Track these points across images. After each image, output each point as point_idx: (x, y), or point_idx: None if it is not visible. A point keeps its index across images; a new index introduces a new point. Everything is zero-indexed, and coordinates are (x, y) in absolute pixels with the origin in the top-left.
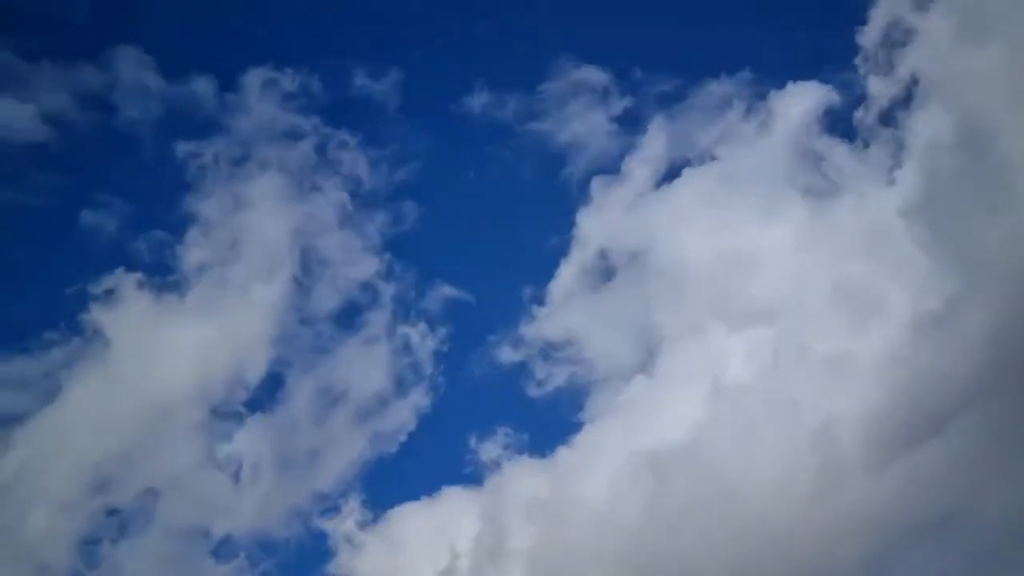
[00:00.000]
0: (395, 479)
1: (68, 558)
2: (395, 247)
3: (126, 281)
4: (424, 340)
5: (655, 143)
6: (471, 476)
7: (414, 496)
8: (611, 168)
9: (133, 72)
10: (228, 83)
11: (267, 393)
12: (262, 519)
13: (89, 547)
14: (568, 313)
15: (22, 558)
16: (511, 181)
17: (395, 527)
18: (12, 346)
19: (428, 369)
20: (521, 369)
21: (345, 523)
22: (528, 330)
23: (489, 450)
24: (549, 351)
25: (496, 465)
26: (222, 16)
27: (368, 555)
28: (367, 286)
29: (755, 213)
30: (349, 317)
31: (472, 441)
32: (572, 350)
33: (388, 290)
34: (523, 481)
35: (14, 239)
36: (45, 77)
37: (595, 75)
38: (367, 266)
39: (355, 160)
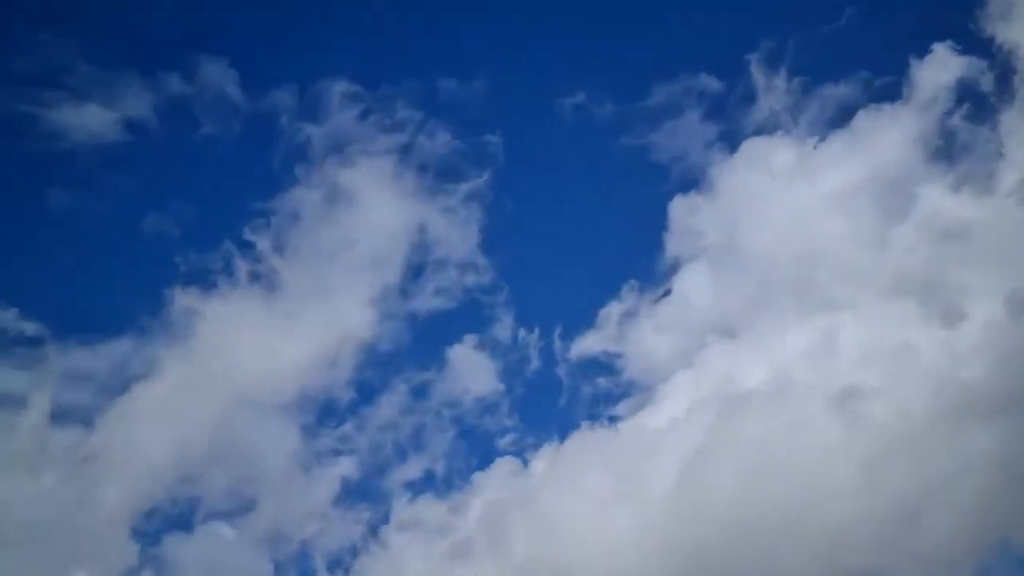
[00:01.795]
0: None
1: (144, 553)
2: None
3: (212, 281)
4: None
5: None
6: None
7: None
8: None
9: (215, 83)
10: (310, 94)
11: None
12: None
13: (165, 542)
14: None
15: (98, 551)
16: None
17: None
18: (99, 338)
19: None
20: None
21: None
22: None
23: None
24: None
25: None
26: (305, 28)
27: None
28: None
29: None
30: (441, 318)
31: None
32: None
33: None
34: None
35: (98, 238)
36: (129, 85)
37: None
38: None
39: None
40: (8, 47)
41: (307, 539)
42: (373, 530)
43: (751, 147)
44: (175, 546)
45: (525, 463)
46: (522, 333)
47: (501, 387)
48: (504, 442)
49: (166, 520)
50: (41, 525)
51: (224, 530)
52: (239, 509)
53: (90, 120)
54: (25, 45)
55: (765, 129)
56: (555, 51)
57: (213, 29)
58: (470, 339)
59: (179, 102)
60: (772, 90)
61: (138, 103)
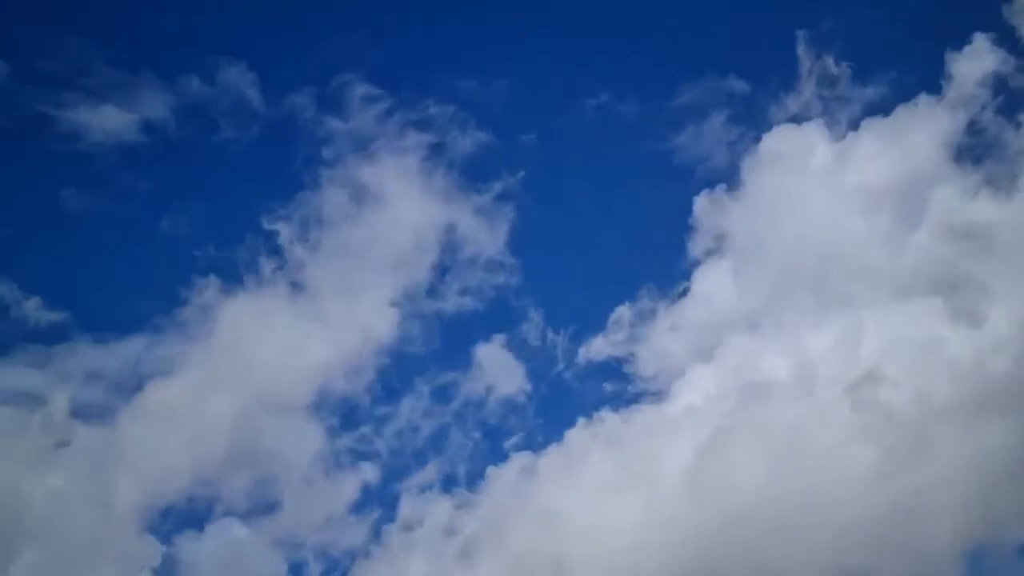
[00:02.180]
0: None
1: (160, 552)
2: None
3: (234, 280)
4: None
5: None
6: None
7: None
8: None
9: (235, 86)
10: (330, 97)
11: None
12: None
13: (181, 541)
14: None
15: (114, 549)
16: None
17: None
18: (119, 336)
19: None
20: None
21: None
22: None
23: None
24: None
25: None
26: (325, 29)
27: None
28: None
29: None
30: (467, 318)
31: None
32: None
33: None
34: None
35: (118, 237)
36: (148, 87)
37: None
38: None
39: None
40: (27, 48)
41: (324, 540)
42: (386, 528)
43: (779, 141)
44: (191, 545)
45: (539, 457)
46: (548, 333)
47: (527, 387)
48: (518, 439)
49: (183, 519)
50: (59, 523)
51: (241, 530)
52: (257, 510)
53: (108, 121)
54: (44, 47)
55: (795, 120)
56: (578, 51)
57: (232, 31)
58: (497, 339)
59: (198, 104)
60: (803, 82)
61: (156, 105)
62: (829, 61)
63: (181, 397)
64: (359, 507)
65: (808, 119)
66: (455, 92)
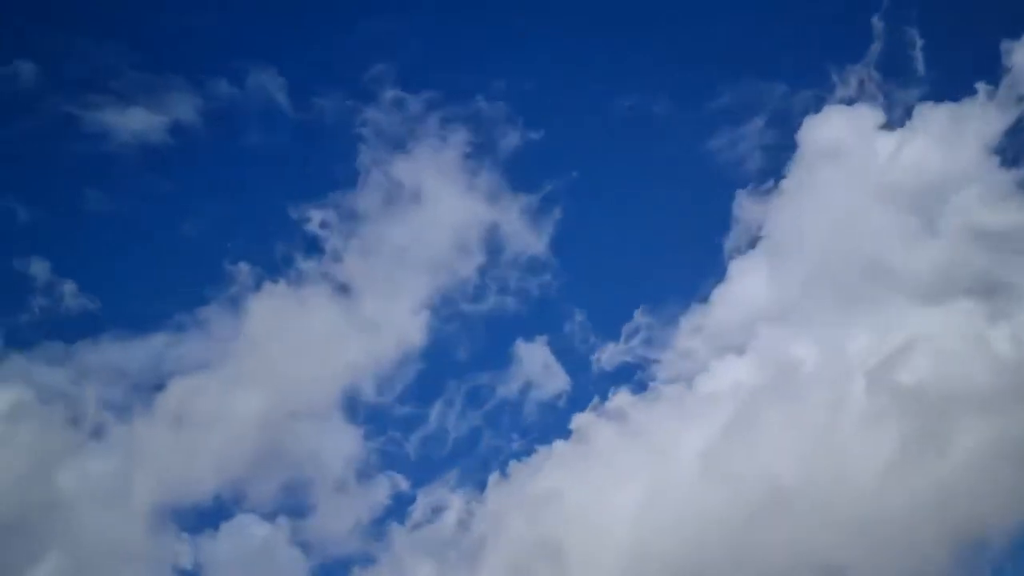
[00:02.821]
0: None
1: (181, 551)
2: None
3: (267, 279)
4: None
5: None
6: None
7: None
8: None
9: (264, 88)
10: (362, 97)
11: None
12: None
13: (204, 540)
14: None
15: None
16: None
17: None
18: (152, 331)
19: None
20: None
21: None
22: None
23: None
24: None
25: None
26: (354, 32)
27: None
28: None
29: None
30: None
31: None
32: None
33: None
34: None
35: (149, 235)
36: (177, 90)
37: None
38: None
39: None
40: (56, 51)
41: (349, 540)
42: (408, 522)
43: (826, 127)
44: (213, 543)
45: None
46: (589, 334)
47: (567, 387)
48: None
49: (206, 517)
50: (85, 519)
51: (264, 529)
52: (282, 510)
53: (135, 123)
54: (73, 49)
55: (846, 103)
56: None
57: (262, 34)
58: (539, 340)
59: (227, 107)
60: (850, 75)
61: (185, 108)
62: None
63: (210, 395)
64: (385, 506)
65: (857, 103)
66: (489, 91)
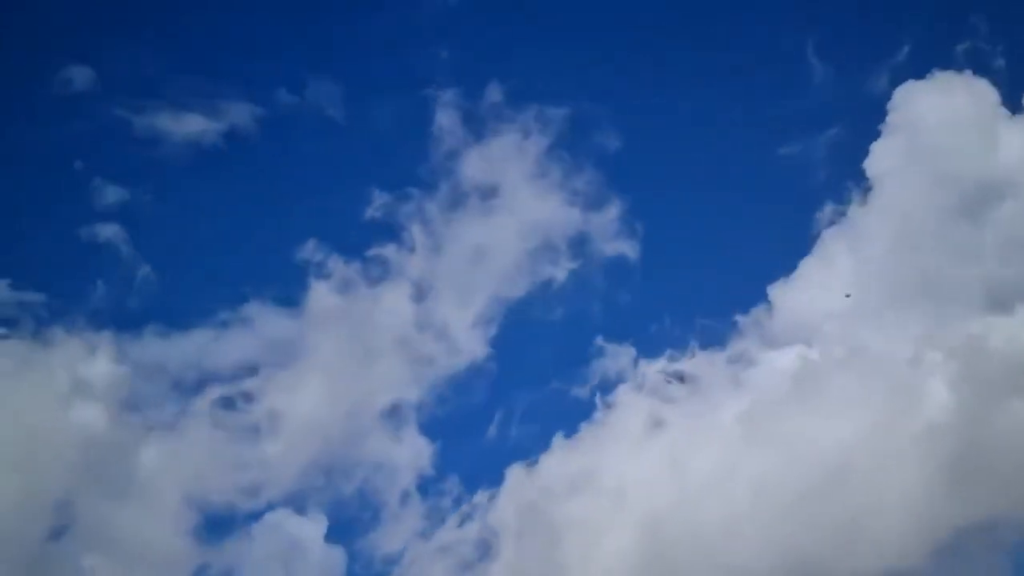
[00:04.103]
0: None
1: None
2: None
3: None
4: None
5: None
6: None
7: None
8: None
9: (320, 99)
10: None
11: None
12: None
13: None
14: None
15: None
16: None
17: None
18: (215, 328)
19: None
20: None
21: None
22: None
23: None
24: None
25: None
26: (410, 40)
27: None
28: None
29: None
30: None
31: None
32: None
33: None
34: None
35: (212, 236)
36: (234, 97)
37: None
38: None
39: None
40: (114, 57)
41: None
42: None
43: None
44: (246, 544)
45: None
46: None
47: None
48: None
49: (248, 516)
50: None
51: (314, 530)
52: (338, 512)
53: (190, 127)
54: (131, 56)
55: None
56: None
57: (323, 44)
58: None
59: (286, 114)
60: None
61: (242, 114)
62: None
63: (280, 391)
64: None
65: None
66: (574, 94)
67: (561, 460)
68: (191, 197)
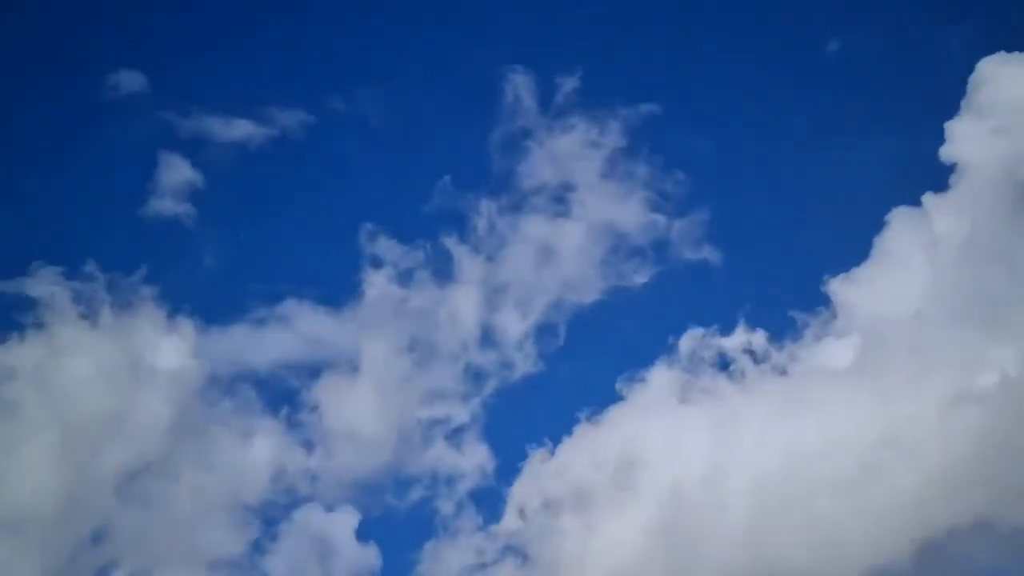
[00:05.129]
0: None
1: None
2: None
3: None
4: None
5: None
6: None
7: None
8: None
9: (374, 104)
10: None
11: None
12: None
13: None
14: None
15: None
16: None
17: None
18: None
19: None
20: None
21: None
22: None
23: None
24: None
25: None
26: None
27: None
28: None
29: None
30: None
31: None
32: None
33: None
34: None
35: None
36: (282, 104)
37: None
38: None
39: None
40: (166, 62)
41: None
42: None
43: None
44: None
45: None
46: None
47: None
48: None
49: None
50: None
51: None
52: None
53: (240, 132)
54: (183, 61)
55: None
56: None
57: (376, 53)
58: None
59: (338, 121)
60: None
61: (291, 121)
62: None
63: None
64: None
65: None
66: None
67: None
68: (248, 192)
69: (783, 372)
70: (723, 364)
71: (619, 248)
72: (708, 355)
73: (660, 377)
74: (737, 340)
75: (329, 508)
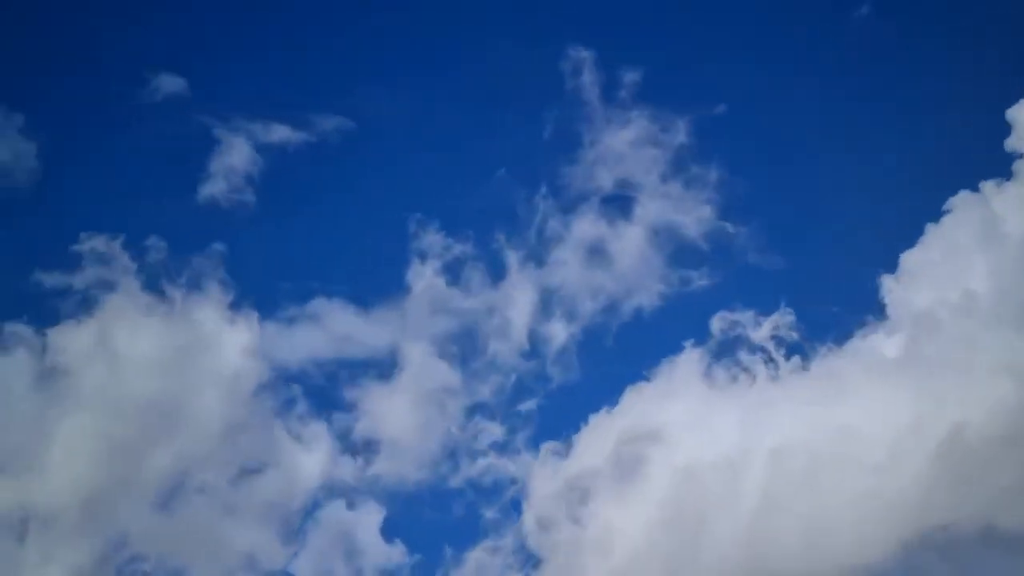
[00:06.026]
0: None
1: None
2: None
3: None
4: None
5: None
6: None
7: None
8: None
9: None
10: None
11: None
12: None
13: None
14: None
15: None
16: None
17: None
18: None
19: None
20: None
21: None
22: None
23: None
24: None
25: None
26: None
27: None
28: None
29: None
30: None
31: None
32: None
33: None
34: None
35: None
36: (325, 110)
37: None
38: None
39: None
40: (206, 68)
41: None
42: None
43: None
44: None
45: None
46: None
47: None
48: None
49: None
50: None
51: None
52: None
53: (278, 137)
54: (223, 67)
55: None
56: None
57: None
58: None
59: (378, 127)
60: None
61: (330, 127)
62: None
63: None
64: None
65: None
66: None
67: None
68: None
69: (821, 364)
70: (757, 352)
71: (679, 252)
72: (742, 342)
73: (689, 360)
74: (771, 328)
75: (355, 508)
